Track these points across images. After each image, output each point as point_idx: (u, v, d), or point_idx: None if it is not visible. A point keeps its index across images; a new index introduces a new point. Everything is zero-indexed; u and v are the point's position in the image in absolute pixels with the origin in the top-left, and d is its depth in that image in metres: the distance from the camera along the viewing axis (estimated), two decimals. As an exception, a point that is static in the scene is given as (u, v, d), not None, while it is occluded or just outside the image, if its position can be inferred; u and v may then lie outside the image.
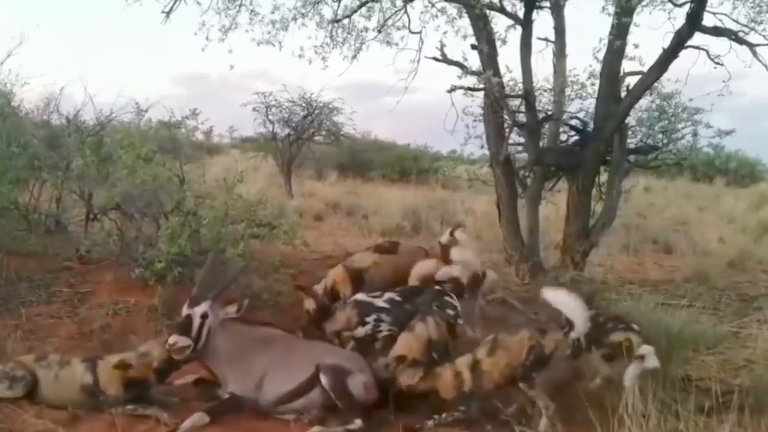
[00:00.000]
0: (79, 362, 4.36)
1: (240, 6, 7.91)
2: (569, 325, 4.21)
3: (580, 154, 8.08)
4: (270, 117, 18.31)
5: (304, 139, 18.89)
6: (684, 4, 6.88)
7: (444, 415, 4.28)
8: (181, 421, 4.07)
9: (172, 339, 4.22)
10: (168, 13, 8.18)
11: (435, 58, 7.56)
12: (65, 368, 4.30)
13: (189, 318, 4.32)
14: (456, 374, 4.35)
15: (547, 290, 4.36)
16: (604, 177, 8.58)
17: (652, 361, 4.33)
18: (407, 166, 24.47)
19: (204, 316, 4.32)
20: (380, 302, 5.29)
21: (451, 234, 6.56)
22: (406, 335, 4.77)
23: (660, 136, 8.95)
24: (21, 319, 5.72)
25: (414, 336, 4.74)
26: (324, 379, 4.28)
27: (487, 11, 7.52)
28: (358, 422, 4.11)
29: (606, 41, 7.53)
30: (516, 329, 4.56)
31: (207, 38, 7.90)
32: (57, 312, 5.99)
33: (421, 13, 7.80)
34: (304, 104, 18.12)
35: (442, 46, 7.50)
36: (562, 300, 4.25)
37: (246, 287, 6.29)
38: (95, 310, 6.02)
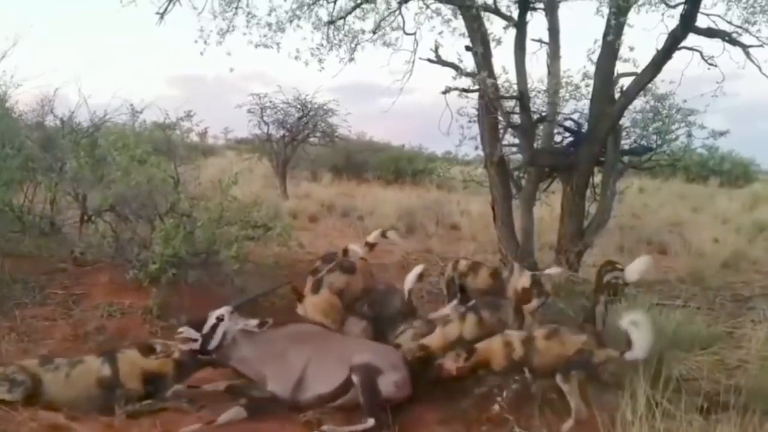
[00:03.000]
0: (93, 358, 4.39)
1: (237, 9, 7.89)
2: (629, 345, 4.18)
3: (575, 155, 8.09)
4: (265, 118, 18.36)
5: (299, 140, 18.89)
6: (678, 5, 6.90)
7: (504, 393, 4.33)
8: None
9: (182, 329, 4.38)
10: (162, 15, 8.16)
11: (429, 60, 7.57)
12: (78, 366, 4.29)
13: (206, 318, 4.46)
14: (506, 344, 4.39)
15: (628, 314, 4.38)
16: (598, 178, 8.60)
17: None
18: (402, 167, 24.49)
19: (219, 318, 4.43)
20: None
21: (383, 235, 6.52)
22: (439, 330, 4.88)
23: (654, 137, 8.99)
24: (15, 321, 5.70)
25: (442, 333, 4.83)
26: (355, 378, 4.31)
27: (482, 12, 7.52)
28: (371, 421, 4.12)
29: (600, 42, 7.55)
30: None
31: (205, 42, 7.88)
32: (51, 314, 5.97)
33: (416, 14, 7.80)
34: (299, 106, 18.15)
35: (437, 47, 7.51)
36: (638, 322, 4.24)
37: (241, 289, 6.29)
38: (90, 312, 6.00)
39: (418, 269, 5.67)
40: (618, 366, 4.59)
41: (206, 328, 4.40)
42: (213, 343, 4.39)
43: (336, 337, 4.91)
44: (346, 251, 6.37)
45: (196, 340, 4.37)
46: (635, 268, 5.59)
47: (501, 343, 4.42)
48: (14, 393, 4.09)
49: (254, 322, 4.54)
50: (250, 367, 4.50)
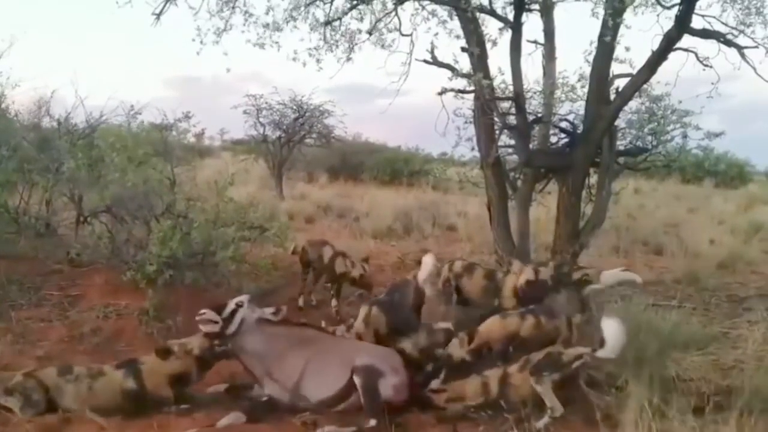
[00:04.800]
0: (113, 369, 4.39)
1: (233, 8, 7.86)
2: (601, 343, 4.31)
3: (570, 156, 8.09)
4: (261, 119, 18.33)
5: (295, 141, 18.89)
6: (673, 6, 6.91)
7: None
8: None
9: (204, 311, 4.43)
10: (158, 15, 8.13)
11: (426, 61, 7.57)
12: (99, 379, 4.30)
13: (226, 303, 4.52)
14: (484, 384, 4.50)
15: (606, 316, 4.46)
16: (593, 179, 8.60)
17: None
18: (398, 168, 24.53)
19: (239, 305, 4.50)
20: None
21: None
22: (494, 319, 5.06)
23: (649, 138, 8.97)
24: (11, 323, 5.71)
25: (501, 323, 4.99)
26: (357, 380, 4.35)
27: (478, 14, 7.53)
28: (372, 422, 4.15)
29: (596, 43, 7.55)
30: None
31: (201, 42, 7.84)
32: (47, 315, 5.97)
33: (412, 15, 7.80)
34: (294, 107, 18.13)
35: (433, 48, 7.51)
36: (612, 323, 4.33)
37: (237, 290, 6.29)
38: (86, 314, 6.01)
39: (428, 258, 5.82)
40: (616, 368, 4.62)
41: (226, 313, 4.45)
42: (232, 328, 4.44)
43: (338, 341, 4.93)
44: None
45: (216, 323, 4.41)
46: (613, 276, 5.76)
47: (479, 383, 4.53)
48: (25, 412, 4.07)
49: (270, 309, 4.61)
50: (254, 363, 4.53)
